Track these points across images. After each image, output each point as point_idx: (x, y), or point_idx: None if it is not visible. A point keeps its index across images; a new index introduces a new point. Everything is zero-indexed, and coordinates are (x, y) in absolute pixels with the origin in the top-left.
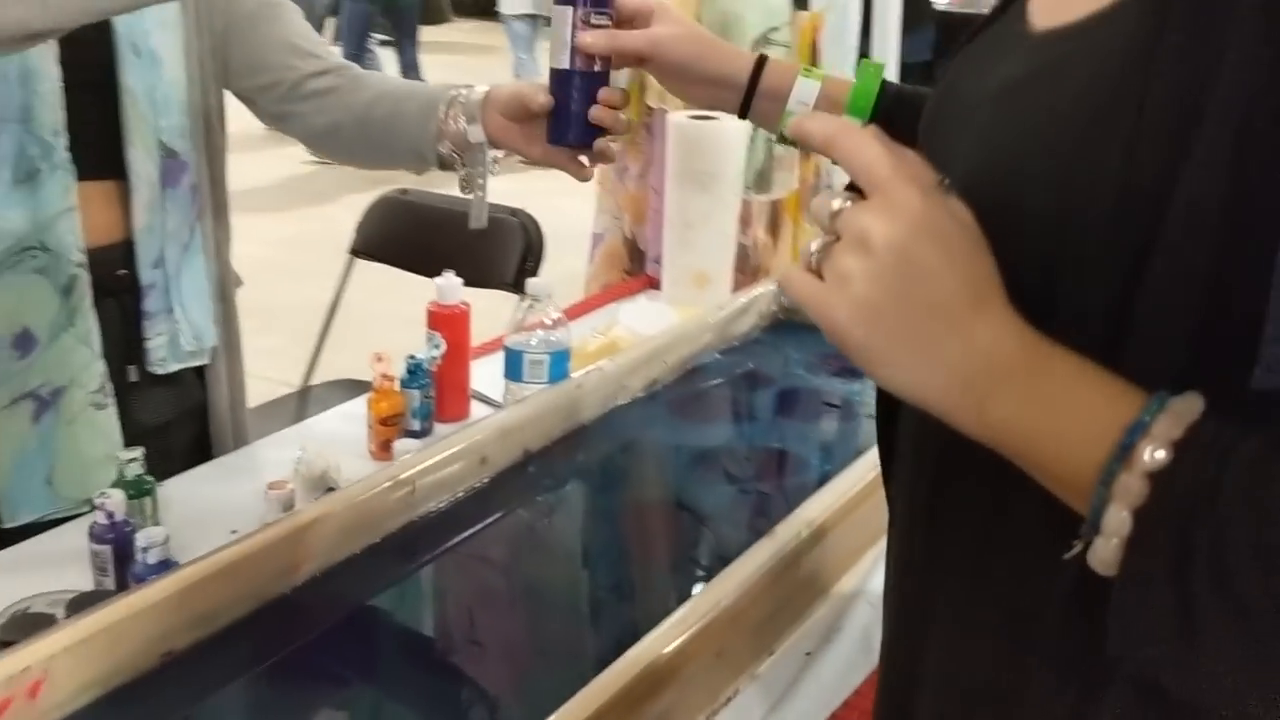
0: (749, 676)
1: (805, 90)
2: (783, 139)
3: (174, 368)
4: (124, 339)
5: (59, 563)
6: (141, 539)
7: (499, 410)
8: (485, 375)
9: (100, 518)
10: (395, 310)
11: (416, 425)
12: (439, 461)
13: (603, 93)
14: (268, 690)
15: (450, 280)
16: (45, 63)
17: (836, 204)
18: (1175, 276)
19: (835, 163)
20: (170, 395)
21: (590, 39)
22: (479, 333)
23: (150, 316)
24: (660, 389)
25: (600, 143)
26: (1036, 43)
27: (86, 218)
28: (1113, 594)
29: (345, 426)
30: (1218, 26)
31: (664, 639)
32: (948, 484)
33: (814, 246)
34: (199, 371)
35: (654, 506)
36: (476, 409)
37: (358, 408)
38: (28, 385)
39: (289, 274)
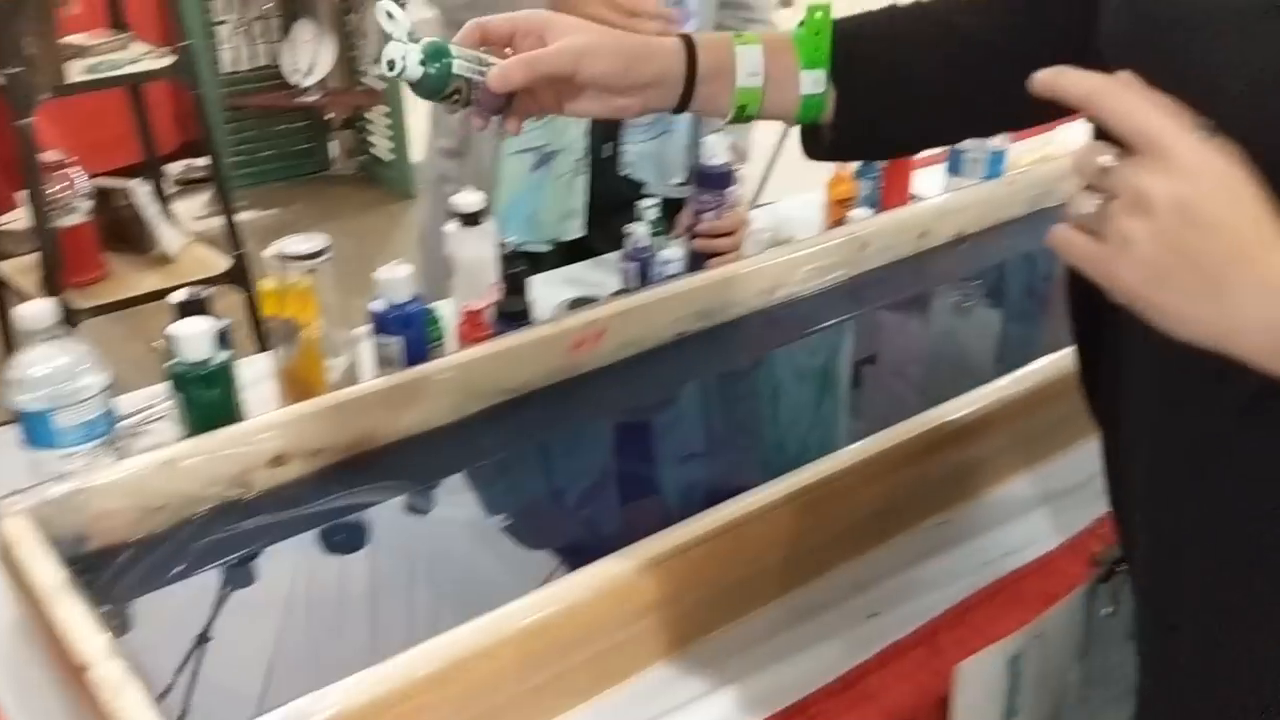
0: None
1: (750, 61)
2: (735, 119)
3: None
4: (602, 125)
5: (604, 274)
6: (660, 256)
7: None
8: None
9: (633, 242)
10: None
11: (865, 210)
12: (882, 225)
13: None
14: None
15: None
16: None
17: (1107, 160)
18: None
19: (1091, 120)
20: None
21: (503, 73)
22: None
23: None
24: None
25: None
26: None
27: None
28: None
29: (805, 213)
30: None
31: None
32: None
33: (1086, 207)
34: None
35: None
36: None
37: (819, 196)
38: (533, 142)
39: None
